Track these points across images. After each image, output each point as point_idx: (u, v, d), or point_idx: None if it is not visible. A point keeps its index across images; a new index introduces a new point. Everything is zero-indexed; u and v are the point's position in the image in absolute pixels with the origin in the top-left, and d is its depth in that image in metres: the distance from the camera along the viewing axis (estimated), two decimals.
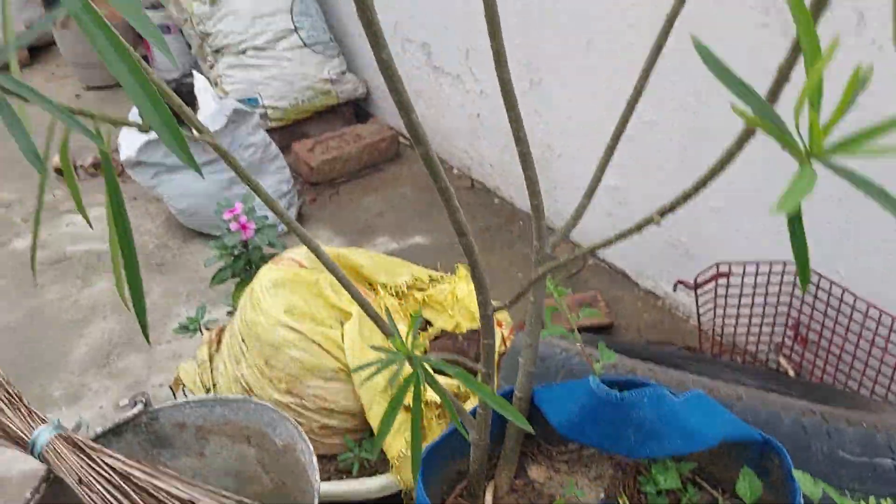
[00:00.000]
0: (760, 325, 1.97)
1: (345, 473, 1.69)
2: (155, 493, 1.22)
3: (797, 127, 0.41)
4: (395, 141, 3.15)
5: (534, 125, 2.46)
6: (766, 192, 1.83)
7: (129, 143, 2.58)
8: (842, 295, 1.76)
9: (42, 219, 2.96)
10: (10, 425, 1.35)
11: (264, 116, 3.04)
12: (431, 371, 0.81)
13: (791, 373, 1.94)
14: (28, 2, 4.17)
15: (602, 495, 1.11)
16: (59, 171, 3.06)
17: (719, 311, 1.95)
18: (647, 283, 2.29)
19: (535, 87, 2.42)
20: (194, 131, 0.79)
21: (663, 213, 0.61)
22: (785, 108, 0.56)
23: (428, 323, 1.90)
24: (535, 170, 0.96)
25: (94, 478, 1.23)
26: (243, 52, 2.99)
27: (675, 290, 1.87)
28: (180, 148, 0.64)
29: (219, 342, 1.94)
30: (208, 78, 3.10)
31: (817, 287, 1.84)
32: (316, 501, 1.21)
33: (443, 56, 2.81)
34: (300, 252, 1.86)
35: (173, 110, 0.72)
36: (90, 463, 1.25)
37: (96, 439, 1.40)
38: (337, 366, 1.68)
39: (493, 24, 0.84)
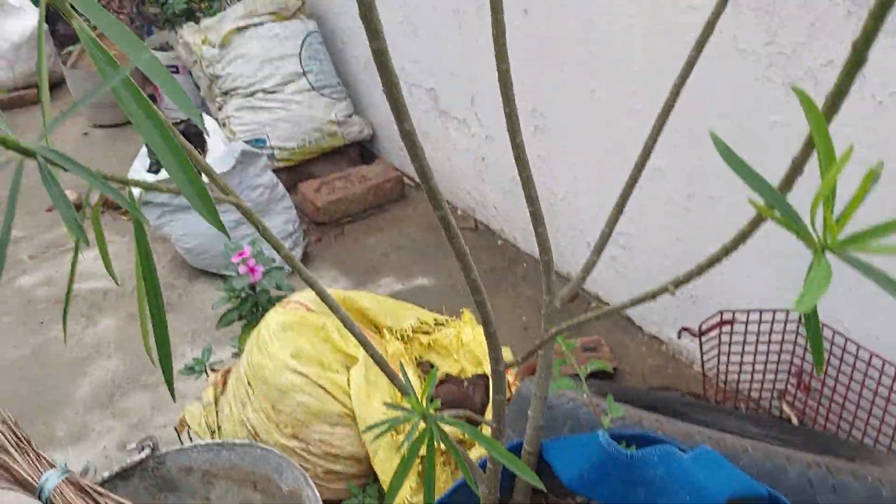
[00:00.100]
0: (764, 372, 1.98)
1: None
2: None
3: (812, 220, 0.43)
4: (399, 182, 3.19)
5: (537, 169, 2.49)
6: (769, 240, 1.85)
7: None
8: (844, 344, 1.78)
9: (48, 255, 2.98)
10: (19, 469, 1.35)
11: (271, 157, 3.08)
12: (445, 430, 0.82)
13: (794, 420, 1.95)
14: None
15: None
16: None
17: (723, 358, 1.96)
18: (651, 328, 2.30)
19: (539, 131, 2.46)
20: (218, 192, 0.81)
21: (678, 284, 0.62)
22: (798, 190, 0.58)
23: (432, 367, 1.90)
24: (545, 227, 0.98)
25: None
26: (252, 94, 3.03)
27: (679, 337, 1.88)
28: (209, 212, 0.66)
29: (224, 384, 1.94)
30: (216, 119, 3.14)
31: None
32: None
33: (449, 101, 2.85)
34: (307, 295, 1.88)
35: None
36: None
37: (103, 483, 1.41)
38: (343, 411, 1.69)
39: (507, 93, 0.87)
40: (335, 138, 3.20)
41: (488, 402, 1.75)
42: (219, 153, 2.60)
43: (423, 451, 0.81)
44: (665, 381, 2.16)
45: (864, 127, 1.57)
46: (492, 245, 2.87)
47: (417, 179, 3.23)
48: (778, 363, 1.95)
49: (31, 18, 4.25)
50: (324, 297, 0.90)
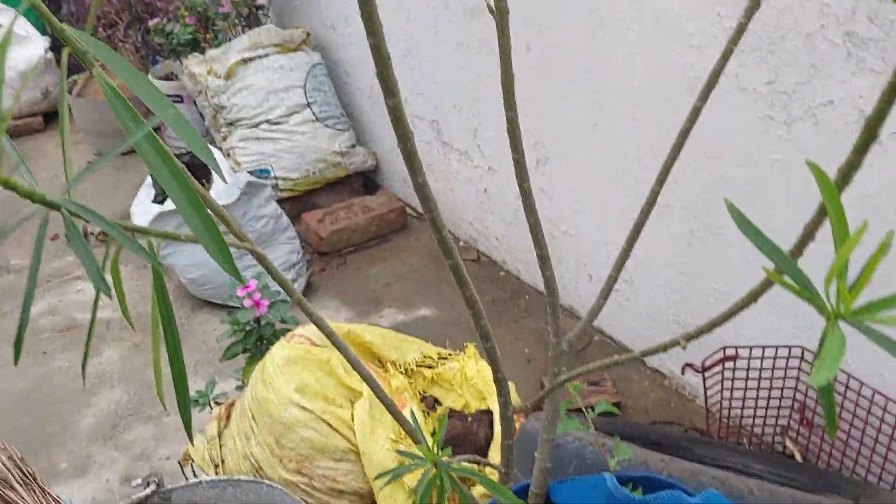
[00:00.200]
0: (766, 408, 1.98)
1: None
2: None
3: (826, 291, 0.44)
4: (402, 212, 3.21)
5: (540, 203, 2.51)
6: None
7: (142, 213, 2.63)
8: (847, 381, 1.78)
9: (53, 284, 2.99)
10: None
11: (275, 187, 3.10)
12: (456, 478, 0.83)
13: (798, 456, 1.95)
14: (46, 69, 4.27)
15: None
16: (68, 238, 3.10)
17: (726, 394, 1.96)
18: (654, 362, 2.30)
19: (541, 165, 2.48)
20: (234, 238, 0.82)
21: (689, 338, 0.63)
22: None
23: (436, 401, 1.91)
24: (553, 270, 0.99)
25: None
26: (257, 125, 3.06)
27: (683, 372, 1.88)
28: (225, 261, 0.67)
29: (228, 418, 1.94)
30: (220, 148, 3.17)
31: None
32: None
33: (452, 133, 2.88)
34: (312, 329, 1.89)
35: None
36: None
37: None
38: (347, 446, 1.69)
39: (515, 139, 0.88)
40: (339, 169, 3.22)
41: (492, 437, 1.75)
42: (224, 184, 2.61)
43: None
44: (668, 415, 2.16)
45: (865, 165, 1.59)
46: (494, 276, 2.88)
47: (420, 210, 3.25)
48: (780, 399, 1.96)
49: (36, 47, 4.29)
50: (333, 338, 0.91)
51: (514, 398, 1.91)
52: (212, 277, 2.65)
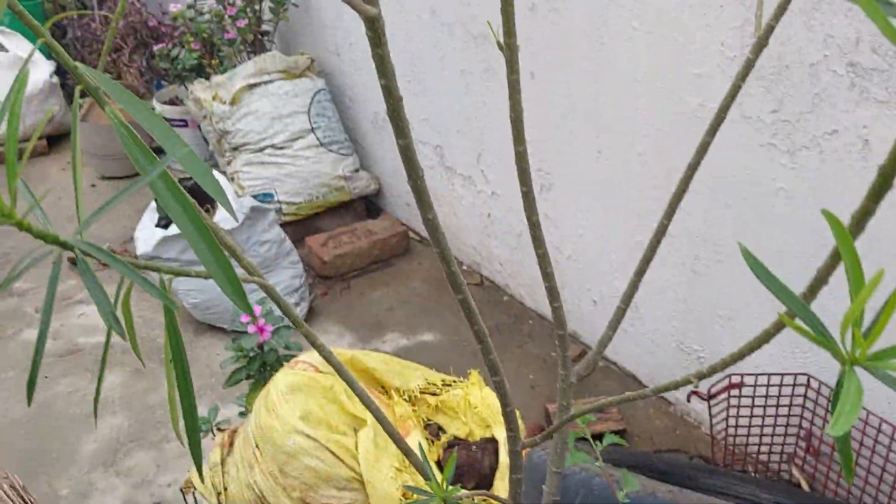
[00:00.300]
0: (772, 436, 1.97)
1: None
2: None
3: (842, 336, 0.44)
4: (405, 236, 3.21)
5: (544, 228, 2.50)
6: (776, 303, 1.86)
7: (146, 238, 2.63)
8: None
9: (55, 308, 2.98)
10: None
11: (279, 211, 3.10)
12: None
13: (804, 485, 1.93)
14: (51, 93, 4.30)
15: None
16: (72, 262, 3.11)
17: (732, 421, 1.95)
18: None
19: (545, 191, 2.48)
20: (244, 272, 0.82)
21: (701, 377, 0.63)
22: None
23: (440, 429, 1.90)
24: (561, 302, 0.99)
25: None
26: (261, 150, 3.07)
27: (688, 400, 1.88)
28: (239, 298, 0.66)
29: (231, 445, 1.93)
30: (224, 173, 3.18)
31: (829, 400, 1.85)
32: None
33: (455, 158, 2.89)
34: (315, 356, 1.88)
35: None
36: None
37: None
38: (351, 475, 1.68)
39: (524, 172, 0.88)
40: (342, 193, 3.23)
41: (497, 465, 1.74)
42: None
43: None
44: (673, 442, 2.15)
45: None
46: (497, 300, 2.88)
47: (423, 234, 3.26)
48: (787, 427, 1.95)
49: (41, 71, 4.32)
50: (342, 372, 0.91)
51: (521, 427, 1.90)
52: (215, 302, 2.65)
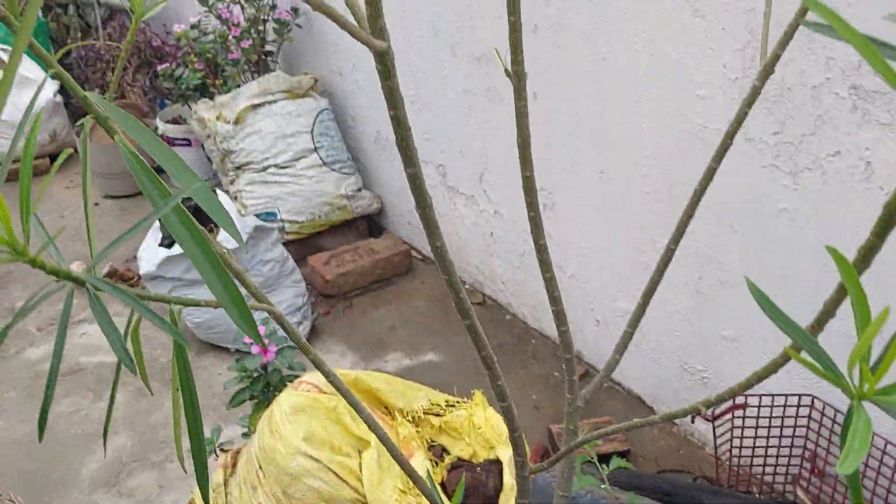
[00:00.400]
0: (777, 456, 1.97)
1: None
2: None
3: (850, 371, 0.44)
4: (407, 255, 3.21)
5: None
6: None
7: (150, 257, 2.63)
8: None
9: (56, 327, 2.98)
10: None
11: (282, 230, 3.11)
12: None
13: None
14: (54, 112, 4.32)
15: None
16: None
17: (736, 442, 1.95)
18: (663, 408, 2.29)
19: (548, 209, 2.49)
20: (252, 300, 0.82)
21: (709, 405, 0.63)
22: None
23: (444, 450, 1.89)
24: (568, 326, 0.99)
25: None
26: (264, 169, 3.08)
27: (692, 421, 1.87)
28: (250, 327, 0.67)
29: (234, 466, 1.93)
30: (227, 192, 3.19)
31: (833, 421, 1.85)
32: None
33: (458, 177, 2.90)
34: (319, 376, 1.88)
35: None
36: None
37: None
38: (354, 496, 1.68)
39: (532, 198, 0.89)
40: (344, 212, 3.24)
41: (501, 487, 1.74)
42: None
43: None
44: (677, 462, 2.14)
45: (871, 216, 1.60)
46: (500, 319, 2.88)
47: (425, 253, 3.26)
48: (791, 447, 1.94)
49: (45, 90, 4.34)
50: (349, 398, 0.91)
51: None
52: (218, 321, 2.65)
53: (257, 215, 3.06)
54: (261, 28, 3.42)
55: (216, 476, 1.91)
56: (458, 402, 1.99)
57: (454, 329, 2.79)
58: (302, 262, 3.13)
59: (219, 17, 3.37)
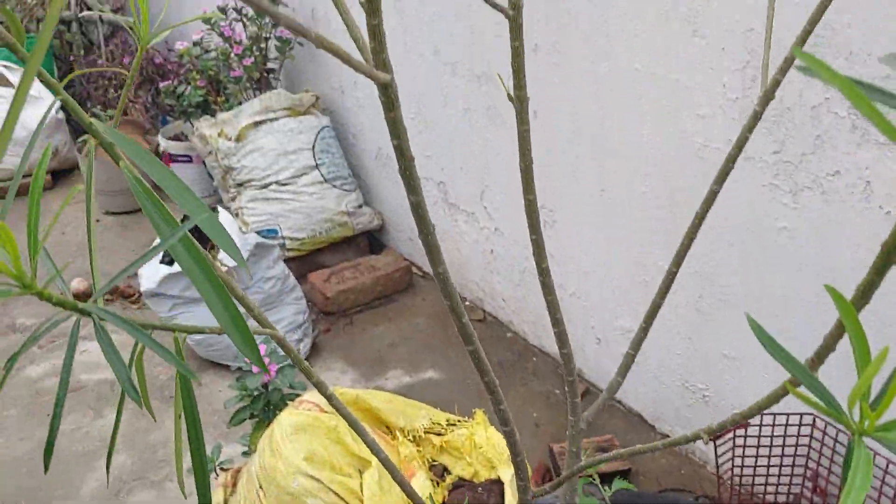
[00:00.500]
0: (779, 476, 1.96)
1: None
2: None
3: (850, 409, 0.44)
4: (408, 272, 3.21)
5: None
6: (782, 342, 1.86)
7: (150, 275, 2.64)
8: None
9: (57, 345, 2.99)
10: None
11: (282, 247, 3.11)
12: None
13: None
14: (56, 128, 4.33)
15: None
16: (76, 297, 3.11)
17: (738, 461, 1.94)
18: (664, 427, 2.29)
19: (548, 227, 2.49)
20: (255, 323, 0.83)
21: (711, 433, 0.63)
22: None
23: (445, 470, 1.89)
24: (570, 348, 1.00)
25: None
26: (266, 186, 3.09)
27: (694, 441, 1.87)
28: (252, 353, 0.67)
29: (234, 485, 1.92)
30: (228, 208, 3.19)
31: (835, 440, 1.85)
32: None
33: (458, 194, 2.90)
34: (319, 396, 1.87)
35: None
36: None
37: None
38: None
39: (534, 221, 0.89)
40: (345, 228, 3.24)
41: None
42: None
43: None
44: (679, 482, 2.13)
45: (870, 234, 1.60)
46: (500, 336, 2.88)
47: (426, 269, 3.26)
48: (793, 467, 1.94)
49: (47, 107, 4.36)
50: (356, 427, 0.91)
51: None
52: (218, 339, 2.65)
53: (258, 232, 3.07)
54: (263, 46, 3.44)
55: (216, 495, 1.90)
56: (459, 421, 1.99)
57: (455, 346, 2.79)
58: (302, 278, 3.13)
59: (221, 34, 3.39)
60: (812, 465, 1.91)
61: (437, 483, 1.82)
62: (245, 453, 2.03)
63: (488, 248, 2.86)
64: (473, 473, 1.84)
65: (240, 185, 3.12)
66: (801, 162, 1.68)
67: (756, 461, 1.94)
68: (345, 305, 3.07)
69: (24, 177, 4.37)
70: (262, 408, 1.97)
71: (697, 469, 2.18)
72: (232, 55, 3.38)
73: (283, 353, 1.99)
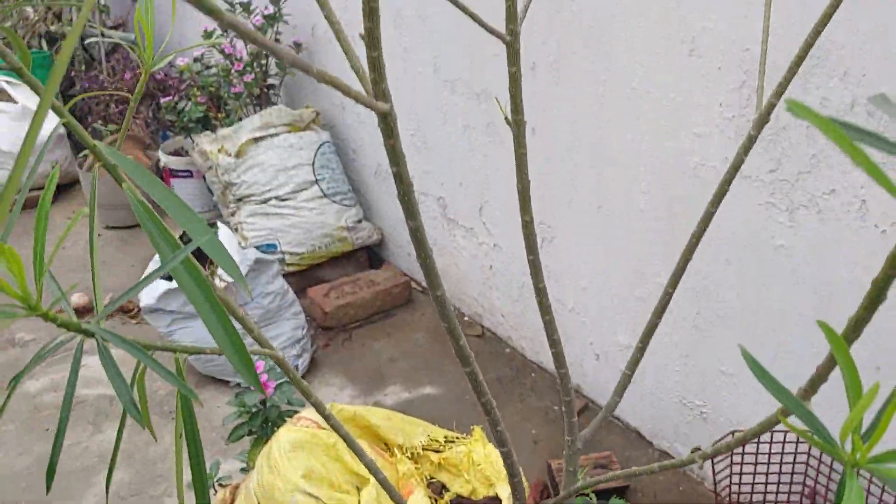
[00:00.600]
0: (777, 493, 1.96)
1: None
2: None
3: (842, 441, 0.45)
4: (407, 287, 3.22)
5: (545, 280, 2.53)
6: (777, 361, 1.87)
7: (150, 290, 2.64)
8: None
9: (56, 360, 2.99)
10: None
11: (282, 261, 3.12)
12: None
13: None
14: (57, 143, 4.35)
15: None
16: (76, 311, 3.11)
17: (735, 479, 1.95)
18: (662, 443, 2.29)
19: (547, 243, 2.50)
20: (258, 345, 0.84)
21: (705, 457, 0.64)
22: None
23: (444, 487, 1.89)
24: (568, 369, 1.00)
25: None
26: (265, 201, 3.10)
27: (689, 465, 1.87)
28: (250, 375, 0.68)
29: (232, 501, 1.92)
30: (228, 223, 3.20)
31: (833, 458, 1.85)
32: None
33: (457, 209, 2.92)
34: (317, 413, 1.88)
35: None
36: None
37: None
38: None
39: (531, 242, 0.90)
40: (344, 243, 3.25)
41: None
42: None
43: None
44: (677, 498, 2.14)
45: (866, 252, 1.62)
46: (499, 352, 2.88)
47: (425, 285, 3.27)
48: (790, 484, 1.94)
49: (49, 121, 4.38)
50: (356, 450, 0.92)
51: (525, 486, 1.89)
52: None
53: (258, 247, 3.08)
54: (263, 62, 3.47)
55: None
56: (457, 438, 1.99)
57: (453, 362, 2.80)
58: (301, 293, 3.14)
59: (222, 51, 3.42)
60: (810, 482, 1.92)
61: (436, 500, 1.82)
62: (243, 469, 2.03)
63: (487, 264, 2.87)
64: (471, 490, 1.85)
65: (239, 200, 3.14)
66: (797, 180, 1.70)
67: (754, 478, 1.94)
68: (344, 320, 3.08)
69: (34, 189, 4.38)
70: (261, 424, 1.98)
71: (695, 486, 2.18)
72: (232, 71, 3.40)
73: (279, 370, 2.00)
